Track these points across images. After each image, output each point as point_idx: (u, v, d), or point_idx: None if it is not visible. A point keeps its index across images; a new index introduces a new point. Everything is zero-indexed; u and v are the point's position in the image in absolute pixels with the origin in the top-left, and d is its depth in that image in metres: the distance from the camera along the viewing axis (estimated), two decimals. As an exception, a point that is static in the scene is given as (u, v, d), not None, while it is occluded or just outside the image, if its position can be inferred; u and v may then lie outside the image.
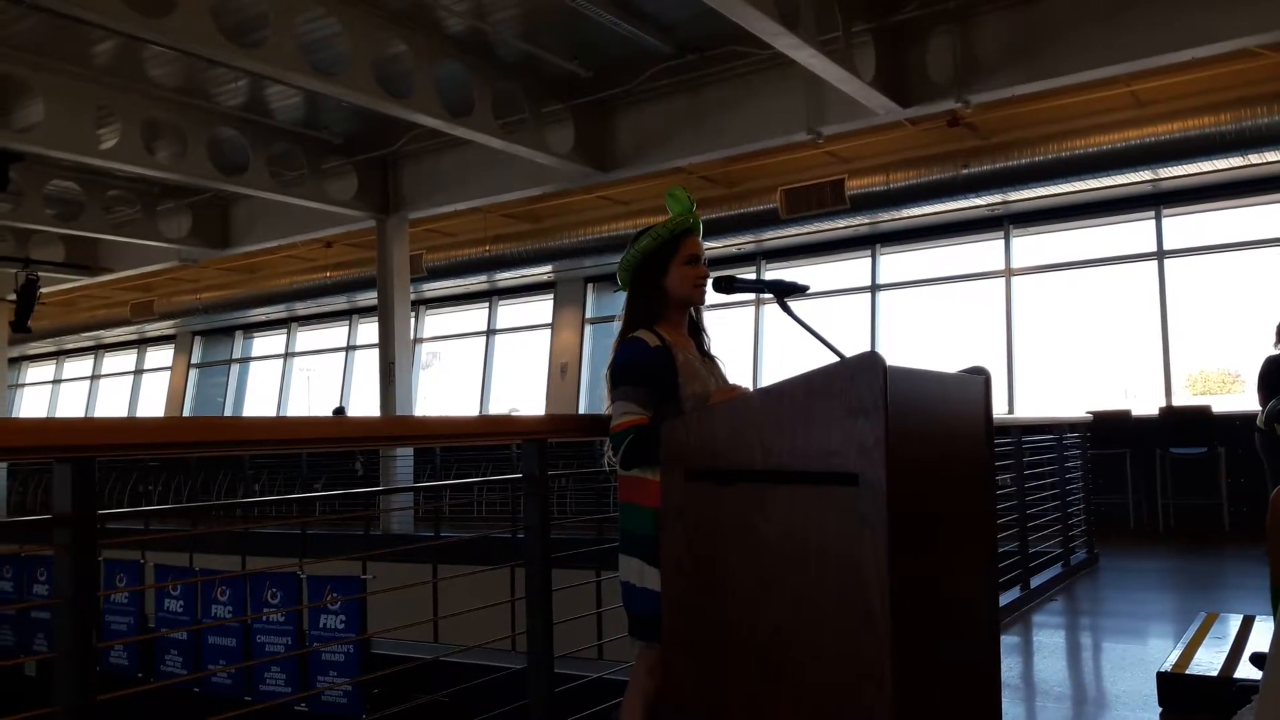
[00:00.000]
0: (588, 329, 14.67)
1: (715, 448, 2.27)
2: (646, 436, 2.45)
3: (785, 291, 2.62)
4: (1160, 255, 10.66)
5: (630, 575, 2.52)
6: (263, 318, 17.93)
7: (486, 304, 15.89)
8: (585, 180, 10.18)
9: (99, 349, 21.73)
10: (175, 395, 19.54)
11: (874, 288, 12.52)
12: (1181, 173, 9.33)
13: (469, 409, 15.42)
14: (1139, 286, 10.76)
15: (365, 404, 16.09)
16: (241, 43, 7.26)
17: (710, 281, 2.68)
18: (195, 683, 7.40)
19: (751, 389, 2.52)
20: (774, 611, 2.15)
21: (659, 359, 2.53)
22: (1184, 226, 10.67)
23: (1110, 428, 9.40)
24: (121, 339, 20.72)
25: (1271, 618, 4.35)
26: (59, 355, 22.69)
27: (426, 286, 14.53)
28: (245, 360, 19.22)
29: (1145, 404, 10.31)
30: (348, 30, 7.74)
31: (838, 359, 2.27)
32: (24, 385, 23.59)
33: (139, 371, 20.98)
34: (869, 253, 12.57)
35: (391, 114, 8.52)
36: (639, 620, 2.50)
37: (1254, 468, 7.88)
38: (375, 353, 12.11)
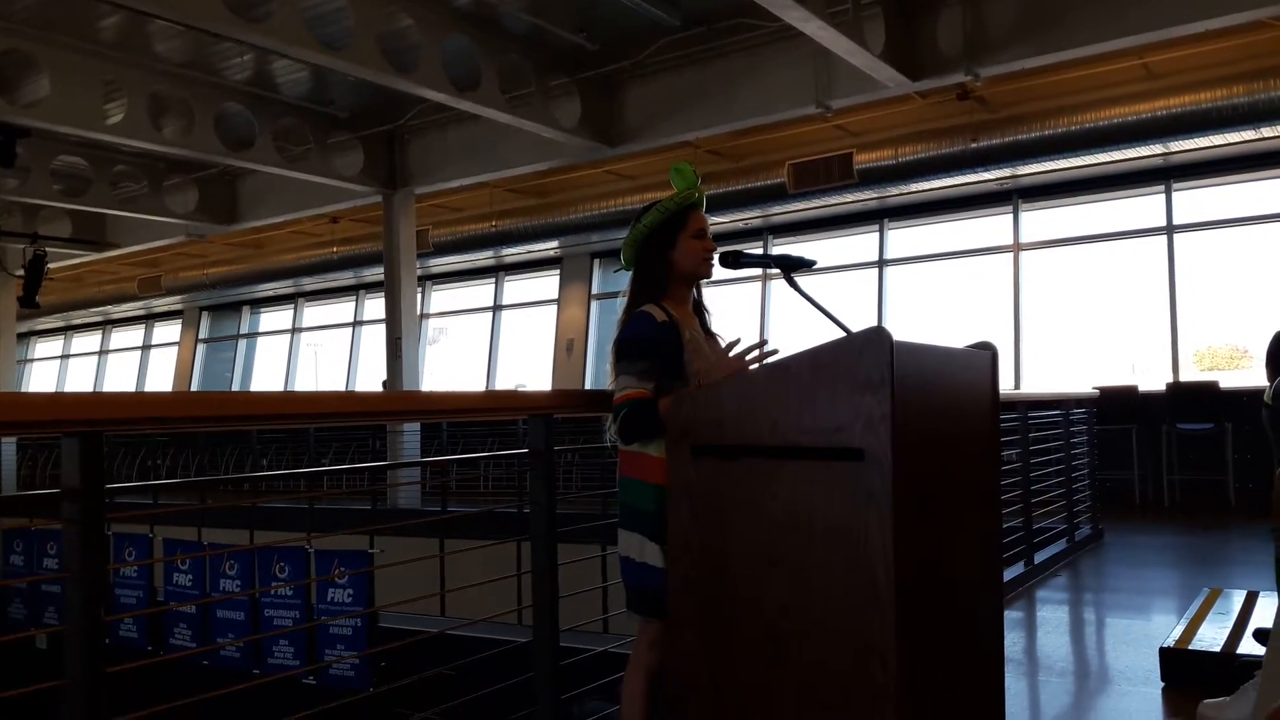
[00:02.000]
0: (594, 305, 14.67)
1: (722, 423, 2.27)
2: (645, 410, 2.45)
3: (792, 266, 2.61)
4: (1170, 230, 10.60)
5: (630, 550, 2.52)
6: (270, 293, 17.95)
7: (493, 279, 15.88)
8: (592, 155, 10.14)
9: (107, 324, 21.80)
10: (183, 370, 19.61)
11: (881, 263, 12.48)
12: (1192, 146, 9.25)
13: (475, 384, 15.45)
14: (1148, 261, 10.71)
15: (372, 379, 16.14)
16: (247, 17, 7.22)
17: (717, 256, 2.68)
18: (204, 656, 7.46)
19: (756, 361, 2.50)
20: (780, 587, 2.16)
21: (666, 334, 2.52)
22: (1194, 201, 10.59)
23: (1117, 403, 9.39)
24: (129, 314, 20.77)
25: (1275, 594, 4.36)
26: (67, 330, 22.77)
27: (433, 262, 14.51)
28: (252, 335, 19.27)
29: (1152, 380, 10.28)
30: (353, 4, 7.70)
31: (845, 334, 2.27)
32: (32, 360, 23.68)
33: (146, 347, 21.04)
34: (877, 227, 12.51)
35: (398, 88, 8.48)
36: (639, 595, 2.51)
37: (1261, 444, 7.85)
38: (382, 328, 12.12)
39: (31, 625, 8.95)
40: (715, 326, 2.77)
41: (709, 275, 2.70)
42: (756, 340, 2.49)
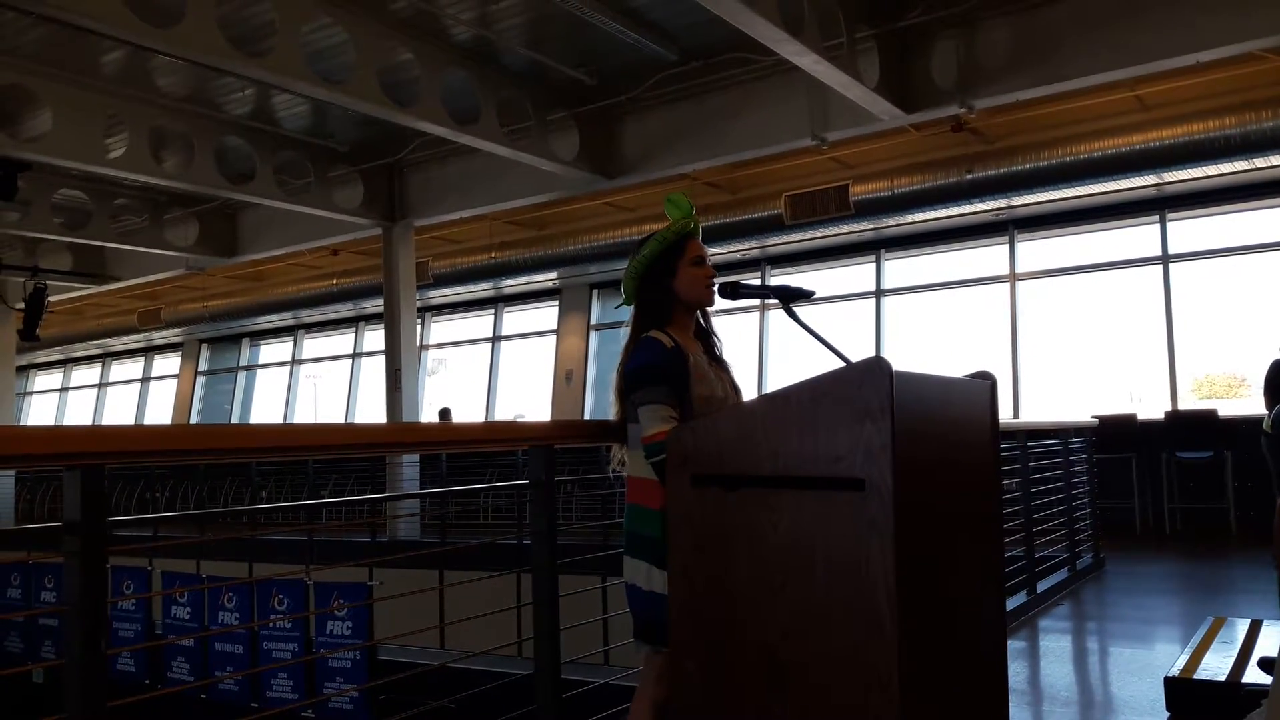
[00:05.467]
0: (593, 335, 14.69)
1: (721, 452, 2.27)
2: None
3: (790, 297, 2.62)
4: (1165, 259, 10.65)
5: (638, 578, 2.51)
6: (269, 325, 17.97)
7: (492, 310, 15.92)
8: (590, 187, 10.20)
9: (106, 357, 21.80)
10: (182, 403, 19.59)
11: (879, 293, 12.52)
12: (1186, 177, 9.32)
13: (475, 415, 15.44)
14: (1144, 290, 10.75)
15: (372, 411, 16.13)
16: (248, 51, 7.29)
17: (716, 287, 2.69)
18: (202, 689, 7.41)
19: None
20: (781, 617, 2.15)
21: (675, 360, 2.53)
22: (1189, 230, 10.66)
23: (1116, 432, 9.39)
24: (129, 347, 20.77)
25: (1279, 622, 4.34)
26: (67, 363, 22.76)
27: (432, 293, 14.55)
28: (252, 368, 19.28)
29: (1151, 408, 10.29)
30: (354, 39, 7.77)
31: (844, 364, 2.28)
32: (32, 393, 23.66)
33: (146, 379, 21.03)
34: (874, 258, 12.57)
35: (397, 122, 8.54)
36: (646, 624, 2.50)
37: (1260, 472, 7.87)
38: (381, 360, 12.13)
39: (29, 659, 8.89)
40: (723, 353, 2.77)
41: (711, 302, 2.71)
42: None
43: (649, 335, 2.57)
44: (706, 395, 2.54)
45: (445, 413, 13.73)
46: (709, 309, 2.74)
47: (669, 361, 2.52)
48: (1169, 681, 3.75)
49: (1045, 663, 4.81)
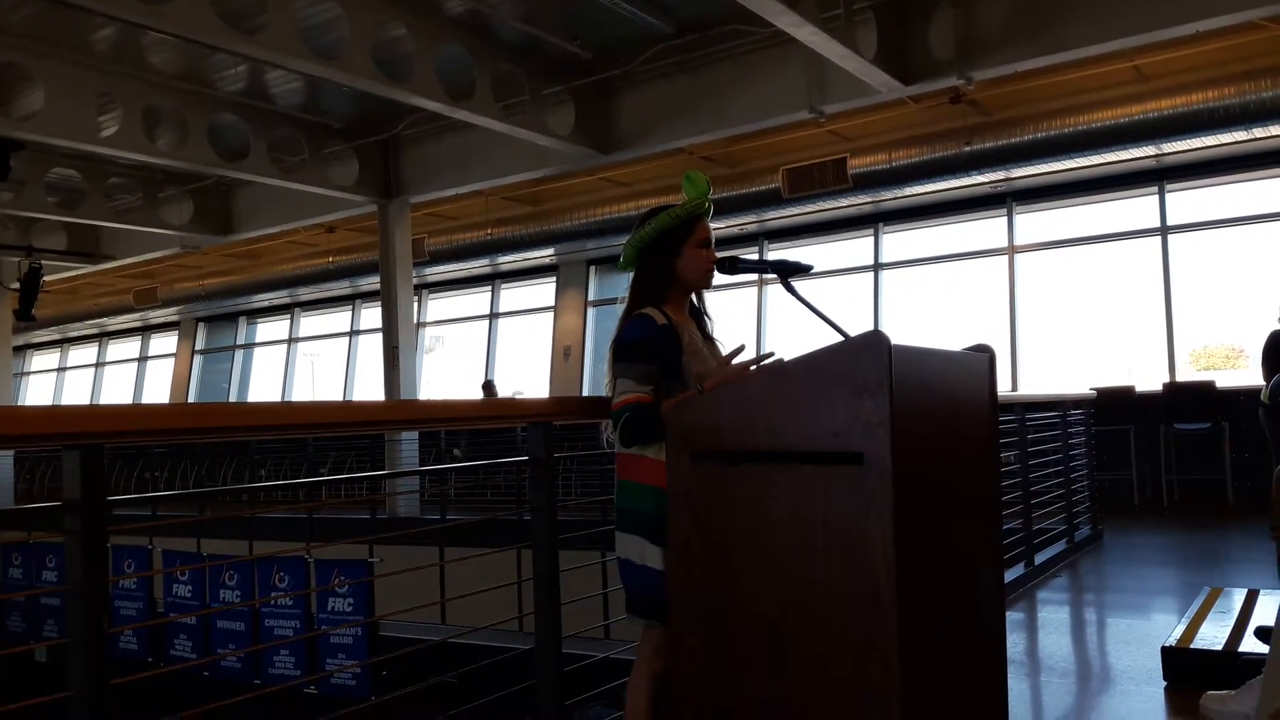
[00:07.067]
0: (590, 311, 14.67)
1: (720, 429, 2.28)
2: (645, 414, 2.44)
3: (788, 271, 2.62)
4: (1164, 230, 10.63)
5: (630, 553, 2.52)
6: (266, 303, 17.94)
7: (489, 287, 15.89)
8: (586, 162, 10.15)
9: (103, 336, 21.77)
10: (180, 381, 19.58)
11: (877, 266, 12.50)
12: (1185, 147, 9.28)
13: (472, 392, 15.44)
14: (1142, 262, 10.73)
15: (369, 388, 16.14)
16: (241, 28, 7.23)
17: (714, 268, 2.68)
18: (205, 666, 7.45)
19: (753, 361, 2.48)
20: (781, 591, 2.16)
21: (665, 336, 2.53)
22: (1187, 201, 10.63)
23: (1114, 404, 9.41)
24: (125, 326, 20.75)
25: (1276, 591, 4.37)
26: (63, 343, 22.73)
27: (429, 270, 14.52)
28: (249, 346, 19.26)
29: (1149, 380, 10.30)
30: (347, 14, 7.71)
31: (842, 338, 2.28)
32: (29, 373, 23.63)
33: (143, 358, 21.01)
34: (872, 231, 12.54)
35: (392, 98, 8.50)
36: (639, 598, 2.51)
37: (1258, 443, 7.88)
38: (379, 337, 12.13)
39: (30, 638, 8.94)
40: (715, 332, 2.77)
41: (709, 286, 2.70)
42: (761, 354, 2.46)
43: (643, 312, 2.57)
44: (701, 373, 2.54)
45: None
46: (706, 291, 2.74)
47: (657, 339, 2.52)
48: (1166, 651, 3.77)
49: (1043, 634, 4.84)
